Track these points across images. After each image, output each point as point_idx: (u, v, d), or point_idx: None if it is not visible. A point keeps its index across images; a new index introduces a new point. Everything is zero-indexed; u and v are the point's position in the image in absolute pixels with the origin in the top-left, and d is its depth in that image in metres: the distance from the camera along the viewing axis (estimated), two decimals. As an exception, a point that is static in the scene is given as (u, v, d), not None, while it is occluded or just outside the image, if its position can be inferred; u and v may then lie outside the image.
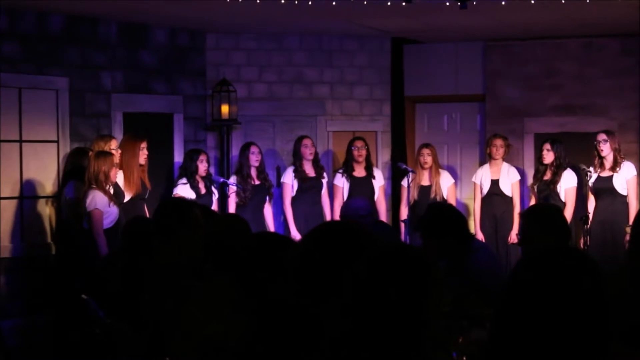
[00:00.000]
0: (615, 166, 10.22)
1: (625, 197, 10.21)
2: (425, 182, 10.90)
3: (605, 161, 10.27)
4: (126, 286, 5.50)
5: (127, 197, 9.50)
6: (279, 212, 10.99)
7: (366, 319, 2.74)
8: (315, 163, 10.93)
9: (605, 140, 10.21)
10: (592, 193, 10.29)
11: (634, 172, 10.28)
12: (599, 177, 10.24)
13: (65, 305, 8.51)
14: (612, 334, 2.59)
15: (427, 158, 10.88)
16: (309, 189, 10.83)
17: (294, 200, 10.80)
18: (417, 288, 2.82)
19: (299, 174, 10.78)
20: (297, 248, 2.95)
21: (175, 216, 5.31)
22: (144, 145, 9.67)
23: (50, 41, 9.99)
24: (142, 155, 9.65)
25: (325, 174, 11.04)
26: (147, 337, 4.89)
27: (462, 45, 12.62)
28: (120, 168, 9.47)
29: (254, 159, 10.53)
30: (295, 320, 2.84)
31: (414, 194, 10.82)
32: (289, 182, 10.80)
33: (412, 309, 2.79)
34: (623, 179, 10.21)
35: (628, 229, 9.72)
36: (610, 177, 10.22)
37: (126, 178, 9.51)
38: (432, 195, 10.74)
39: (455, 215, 6.22)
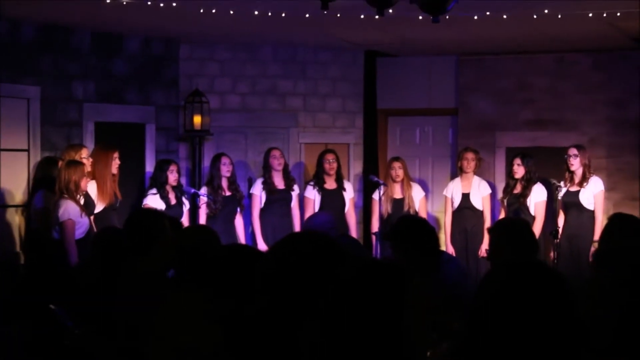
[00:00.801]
0: (582, 181, 10.28)
1: (592, 211, 10.26)
2: (397, 195, 10.92)
3: (574, 176, 10.33)
4: (97, 297, 5.48)
5: (99, 207, 9.46)
6: (248, 223, 10.96)
7: (347, 336, 2.73)
8: (285, 175, 10.92)
9: (576, 155, 10.27)
10: (562, 207, 10.35)
11: (602, 187, 10.35)
12: (567, 191, 10.30)
13: (34, 316, 8.45)
14: (579, 347, 2.61)
15: (398, 171, 10.90)
16: (277, 200, 10.81)
17: (262, 211, 10.78)
18: (398, 300, 2.81)
19: (268, 185, 10.77)
20: (264, 259, 2.94)
21: (146, 227, 5.30)
22: (116, 155, 9.64)
23: (22, 50, 9.93)
24: (115, 165, 9.62)
25: (295, 186, 11.03)
26: (118, 347, 4.87)
27: (435, 59, 12.67)
28: (93, 178, 9.45)
29: (225, 170, 10.51)
30: (265, 332, 2.84)
31: (387, 208, 10.82)
32: (258, 193, 10.78)
33: (394, 321, 2.78)
34: (590, 194, 10.26)
35: (595, 244, 9.80)
36: (578, 192, 10.28)
37: (99, 188, 9.48)
38: (406, 208, 10.75)
39: (424, 228, 6.23)
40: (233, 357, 2.98)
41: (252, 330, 2.90)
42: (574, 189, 10.30)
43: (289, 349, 2.79)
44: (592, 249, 9.88)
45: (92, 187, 9.42)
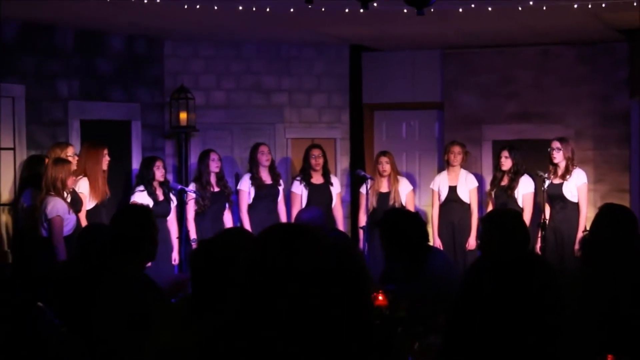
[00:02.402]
0: (566, 174, 10.27)
1: (576, 204, 10.25)
2: (384, 189, 10.91)
3: (558, 168, 10.34)
4: (81, 295, 5.46)
5: (91, 204, 9.47)
6: (236, 219, 10.94)
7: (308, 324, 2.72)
8: (272, 170, 10.91)
9: (559, 149, 10.28)
10: (547, 200, 10.37)
11: (584, 179, 10.32)
12: (551, 183, 10.30)
13: (22, 315, 8.42)
14: (566, 337, 2.61)
15: (385, 166, 10.90)
16: (265, 196, 10.79)
17: (250, 207, 10.75)
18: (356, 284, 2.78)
19: (256, 181, 10.74)
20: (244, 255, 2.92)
21: (133, 225, 5.29)
22: (106, 151, 9.65)
23: (5, 49, 9.89)
24: (105, 162, 9.63)
25: (281, 181, 11.02)
26: (100, 347, 4.86)
27: (420, 53, 12.68)
28: (85, 175, 9.45)
29: (214, 166, 10.48)
30: (246, 335, 2.82)
31: (373, 202, 10.82)
32: (246, 189, 10.76)
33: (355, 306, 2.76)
34: (573, 186, 10.25)
35: (581, 235, 9.84)
36: (561, 185, 10.28)
37: (91, 185, 9.47)
38: (391, 202, 10.73)
39: (415, 220, 6.25)
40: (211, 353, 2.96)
41: (231, 334, 2.88)
42: (557, 181, 10.31)
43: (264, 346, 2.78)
44: (578, 239, 9.90)
45: (84, 184, 9.42)
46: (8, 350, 5.46)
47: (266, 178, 10.82)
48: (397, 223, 6.15)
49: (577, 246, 9.89)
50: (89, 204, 9.45)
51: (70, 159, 9.24)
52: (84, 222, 9.09)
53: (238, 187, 10.85)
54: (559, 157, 10.27)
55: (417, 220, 6.28)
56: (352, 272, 2.74)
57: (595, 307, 4.58)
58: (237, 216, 10.86)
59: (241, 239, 3.98)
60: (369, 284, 2.84)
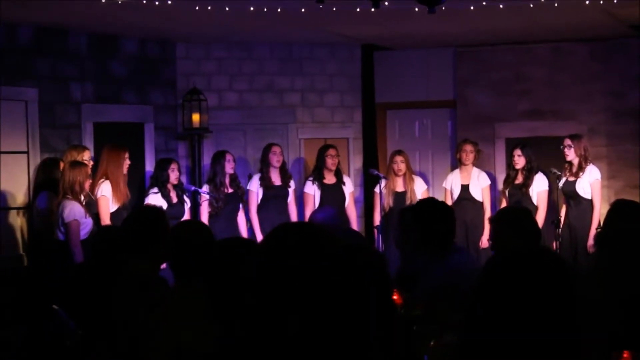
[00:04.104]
0: (579, 171, 10.24)
1: (590, 200, 10.21)
2: (399, 188, 10.92)
3: (572, 166, 10.31)
4: (97, 297, 5.48)
5: (114, 207, 9.48)
6: (246, 219, 10.91)
7: (332, 322, 2.73)
8: (282, 171, 10.90)
9: (570, 146, 10.26)
10: (562, 197, 10.34)
11: (597, 176, 10.27)
12: (566, 181, 10.29)
13: (38, 318, 8.44)
14: (582, 335, 2.60)
15: (400, 165, 10.90)
16: (273, 197, 10.77)
17: (259, 208, 10.74)
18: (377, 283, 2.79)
19: (264, 181, 10.73)
20: (255, 252, 2.92)
21: (146, 226, 5.30)
22: (127, 155, 9.66)
23: (19, 52, 9.93)
24: (126, 165, 9.65)
25: (292, 183, 11.00)
26: (118, 347, 4.87)
27: (432, 51, 12.66)
28: (107, 178, 9.46)
29: (229, 167, 10.48)
30: (262, 327, 2.83)
31: (389, 201, 10.82)
32: (255, 189, 10.76)
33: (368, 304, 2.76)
34: (586, 183, 10.21)
35: (593, 232, 9.82)
36: (575, 182, 10.25)
37: (114, 188, 9.48)
38: (407, 201, 10.71)
39: (449, 214, 6.22)
40: (231, 354, 2.97)
41: (246, 325, 2.88)
42: (571, 178, 10.29)
43: (280, 341, 2.78)
44: (592, 235, 9.88)
45: (106, 188, 9.44)
46: (24, 354, 5.47)
47: (275, 179, 10.81)
48: (432, 213, 6.12)
49: (590, 242, 9.87)
50: (111, 207, 9.48)
51: (86, 162, 9.26)
52: (108, 225, 9.12)
53: (247, 188, 10.84)
54: (570, 154, 10.25)
55: (451, 214, 6.27)
56: (369, 271, 2.74)
57: (611, 303, 4.57)
58: (248, 216, 10.84)
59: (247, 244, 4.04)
60: (389, 283, 2.85)
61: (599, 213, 9.96)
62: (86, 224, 8.84)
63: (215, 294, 3.94)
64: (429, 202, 6.40)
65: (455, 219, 6.27)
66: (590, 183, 10.22)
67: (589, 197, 10.21)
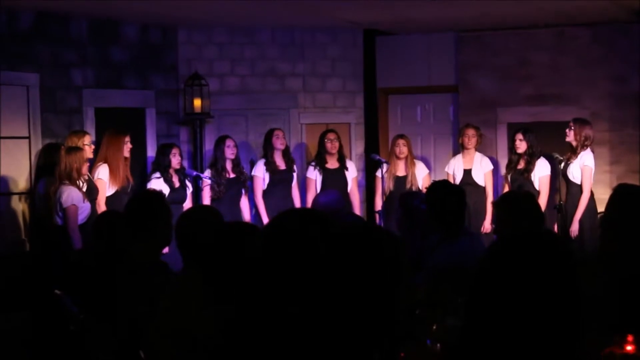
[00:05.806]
0: (572, 155, 10.16)
1: (580, 186, 10.11)
2: (400, 172, 10.91)
3: (571, 149, 10.24)
4: (99, 281, 5.48)
5: (111, 191, 9.53)
6: (251, 205, 10.94)
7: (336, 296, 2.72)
8: (286, 155, 10.91)
9: (570, 128, 10.19)
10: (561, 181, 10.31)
11: (588, 162, 10.01)
12: (564, 164, 10.23)
13: (41, 302, 8.47)
14: (584, 318, 2.59)
15: (402, 148, 10.89)
16: (280, 181, 10.79)
17: (265, 193, 10.75)
18: (388, 265, 2.79)
19: (270, 165, 10.74)
20: (260, 237, 2.92)
21: (147, 210, 5.30)
22: (127, 139, 9.70)
23: (20, 38, 9.91)
24: (127, 149, 9.67)
25: (295, 167, 11.01)
26: (120, 331, 4.87)
27: (434, 36, 12.63)
28: (105, 162, 9.48)
29: (230, 152, 10.49)
30: (266, 314, 2.83)
31: (390, 185, 10.82)
32: (260, 175, 10.76)
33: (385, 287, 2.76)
34: (577, 168, 10.12)
35: (578, 217, 9.81)
36: (568, 166, 10.18)
37: (111, 172, 9.53)
38: (408, 185, 10.72)
39: (461, 197, 6.26)
40: (233, 339, 2.96)
41: (248, 309, 2.88)
42: (570, 162, 10.23)
43: (282, 326, 2.78)
44: (576, 223, 9.84)
45: (103, 171, 9.46)
46: (27, 337, 5.49)
47: (280, 163, 10.82)
48: (445, 195, 6.15)
49: (573, 227, 9.83)
50: (109, 190, 9.50)
51: (87, 147, 9.27)
52: (102, 209, 9.13)
53: (253, 173, 10.85)
54: (570, 135, 10.16)
55: (463, 197, 6.30)
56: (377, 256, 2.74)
57: (614, 286, 4.57)
58: (253, 201, 10.87)
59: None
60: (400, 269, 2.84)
61: (587, 200, 9.90)
62: (84, 208, 8.86)
63: (217, 278, 3.94)
64: (442, 184, 6.44)
65: (466, 203, 6.31)
66: (580, 168, 10.09)
67: (579, 183, 10.10)
